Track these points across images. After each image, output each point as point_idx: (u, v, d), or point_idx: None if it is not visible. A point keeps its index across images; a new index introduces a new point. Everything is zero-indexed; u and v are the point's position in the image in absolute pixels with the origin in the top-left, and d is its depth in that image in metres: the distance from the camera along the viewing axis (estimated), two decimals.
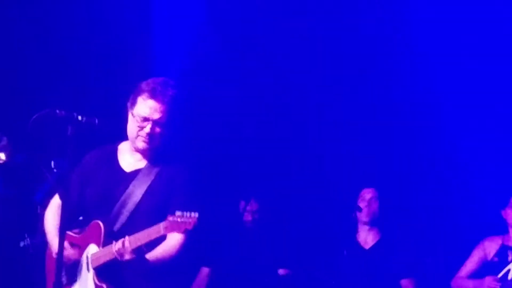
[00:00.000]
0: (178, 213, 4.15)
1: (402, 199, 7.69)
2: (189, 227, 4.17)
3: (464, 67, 7.68)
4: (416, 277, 7.13)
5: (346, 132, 8.24)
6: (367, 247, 7.14)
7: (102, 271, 4.37)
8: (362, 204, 7.07)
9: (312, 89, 8.39)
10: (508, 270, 6.53)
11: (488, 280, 6.46)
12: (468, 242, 6.96)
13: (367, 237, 7.20)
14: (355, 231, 7.29)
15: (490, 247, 6.64)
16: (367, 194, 7.15)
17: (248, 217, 7.31)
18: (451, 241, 7.45)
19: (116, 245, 4.25)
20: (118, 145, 4.72)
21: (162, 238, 4.37)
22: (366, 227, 7.12)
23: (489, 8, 7.44)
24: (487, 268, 6.65)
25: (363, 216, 7.04)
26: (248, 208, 7.27)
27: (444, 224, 7.65)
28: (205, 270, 7.32)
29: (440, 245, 7.51)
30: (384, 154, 8.11)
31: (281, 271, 7.25)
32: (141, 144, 4.46)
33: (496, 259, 6.58)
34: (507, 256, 6.47)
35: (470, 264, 6.68)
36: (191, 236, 4.47)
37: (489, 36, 7.46)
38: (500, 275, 6.51)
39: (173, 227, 4.17)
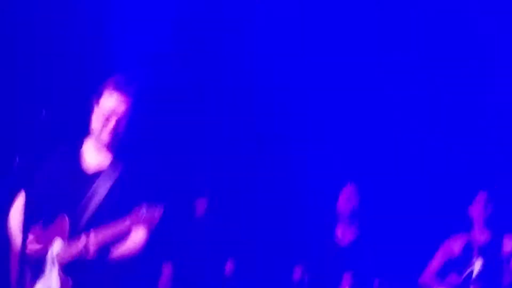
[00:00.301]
0: (144, 206, 4.24)
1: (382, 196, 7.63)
2: (155, 221, 4.27)
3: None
4: (388, 275, 7.07)
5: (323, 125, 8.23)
6: (343, 244, 7.18)
7: (68, 266, 4.35)
8: (341, 201, 7.16)
9: (277, 82, 8.28)
10: (472, 270, 6.54)
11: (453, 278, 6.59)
12: (435, 239, 6.92)
13: (344, 234, 7.14)
14: (332, 227, 7.15)
15: (455, 244, 6.64)
16: (347, 191, 7.18)
17: (200, 211, 7.40)
18: (418, 239, 7.40)
19: (82, 240, 4.26)
20: (82, 142, 4.66)
21: (125, 234, 4.38)
22: (344, 223, 7.19)
23: None
24: (453, 265, 6.63)
25: (341, 212, 7.14)
26: (201, 202, 7.38)
27: (413, 220, 7.59)
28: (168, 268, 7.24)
29: (408, 243, 7.47)
30: (364, 149, 8.09)
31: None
32: (105, 138, 4.46)
33: (461, 256, 6.58)
34: (472, 253, 6.50)
35: (436, 261, 6.68)
36: (155, 231, 4.48)
37: None
38: (465, 274, 6.51)
39: (139, 220, 4.24)
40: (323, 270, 7.18)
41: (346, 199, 7.27)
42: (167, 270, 7.24)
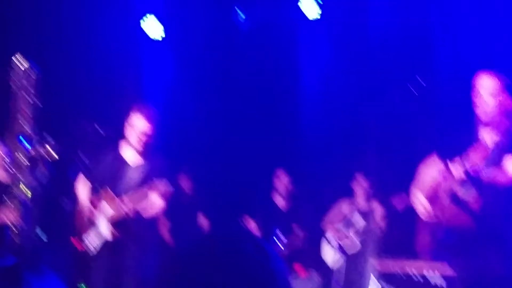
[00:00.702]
0: (155, 179, 5.39)
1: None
2: (164, 188, 5.37)
3: None
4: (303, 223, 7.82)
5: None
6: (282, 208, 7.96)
7: (114, 222, 5.49)
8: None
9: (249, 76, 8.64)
10: (358, 225, 7.66)
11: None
12: (331, 201, 7.91)
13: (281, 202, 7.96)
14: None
15: (345, 205, 7.81)
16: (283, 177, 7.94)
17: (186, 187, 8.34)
18: (323, 202, 8.03)
19: (123, 203, 5.44)
20: (121, 147, 5.74)
21: (144, 197, 5.45)
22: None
23: None
24: (344, 219, 7.78)
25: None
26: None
27: (321, 192, 8.24)
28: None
29: (319, 204, 8.09)
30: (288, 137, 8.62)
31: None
32: (137, 146, 5.62)
33: (348, 215, 7.78)
34: (356, 214, 7.67)
35: (333, 215, 7.80)
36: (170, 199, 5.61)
37: None
38: (353, 228, 7.68)
39: (153, 187, 5.37)
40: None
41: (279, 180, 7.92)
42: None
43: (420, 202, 4.53)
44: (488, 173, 4.10)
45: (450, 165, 4.26)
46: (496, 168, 4.05)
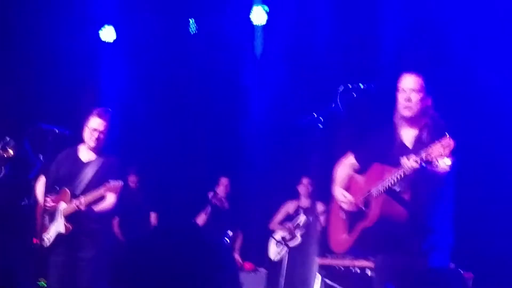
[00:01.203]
0: (111, 181, 5.47)
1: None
2: (119, 189, 5.48)
3: None
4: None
5: None
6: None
7: (68, 218, 5.57)
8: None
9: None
10: (300, 221, 8.06)
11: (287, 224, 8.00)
12: (279, 203, 8.22)
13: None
14: None
15: (290, 205, 8.24)
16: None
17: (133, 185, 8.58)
18: (271, 203, 8.31)
19: (76, 201, 5.48)
20: (78, 146, 5.83)
21: (101, 197, 5.53)
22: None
23: None
24: (289, 217, 8.22)
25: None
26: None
27: (271, 194, 8.43)
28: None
29: (267, 205, 8.30)
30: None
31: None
32: (92, 144, 5.71)
33: (293, 213, 8.23)
34: (299, 212, 8.10)
35: (280, 215, 8.25)
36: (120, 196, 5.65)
37: None
38: (295, 223, 8.09)
39: (110, 189, 5.46)
40: None
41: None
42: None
43: (341, 194, 4.61)
44: (415, 166, 4.10)
45: (403, 162, 4.19)
46: (421, 162, 4.07)
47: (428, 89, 4.44)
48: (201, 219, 8.11)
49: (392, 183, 4.22)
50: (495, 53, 7.07)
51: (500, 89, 6.94)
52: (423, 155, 4.03)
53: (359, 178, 4.62)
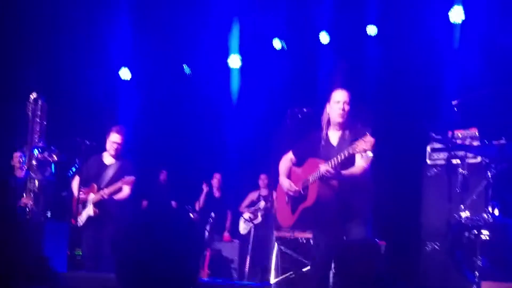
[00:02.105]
0: (126, 177, 5.53)
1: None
2: (132, 183, 5.53)
3: None
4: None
5: None
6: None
7: (95, 204, 5.57)
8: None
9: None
10: (260, 205, 7.84)
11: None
12: (245, 192, 8.00)
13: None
14: None
15: (254, 194, 8.01)
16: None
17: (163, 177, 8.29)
18: (240, 193, 8.01)
19: (101, 192, 5.53)
20: (102, 153, 5.79)
21: (119, 189, 5.54)
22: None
23: None
24: (252, 203, 7.96)
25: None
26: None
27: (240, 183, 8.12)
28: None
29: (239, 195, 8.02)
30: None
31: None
32: (112, 152, 5.71)
33: (256, 200, 7.95)
34: (260, 199, 7.89)
35: (246, 201, 8.00)
36: (133, 188, 5.64)
37: None
38: (257, 207, 7.86)
39: (125, 182, 5.53)
40: None
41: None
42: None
43: (287, 183, 4.42)
44: (343, 160, 3.96)
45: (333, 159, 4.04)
46: (346, 157, 3.94)
47: (351, 100, 4.28)
48: (198, 204, 8.02)
49: (324, 172, 4.05)
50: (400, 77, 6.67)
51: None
52: (350, 149, 3.88)
53: (297, 170, 4.45)
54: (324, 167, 4.02)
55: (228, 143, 8.12)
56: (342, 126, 4.27)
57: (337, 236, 4.11)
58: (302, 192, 4.31)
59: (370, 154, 3.93)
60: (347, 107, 4.23)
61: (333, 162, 4.01)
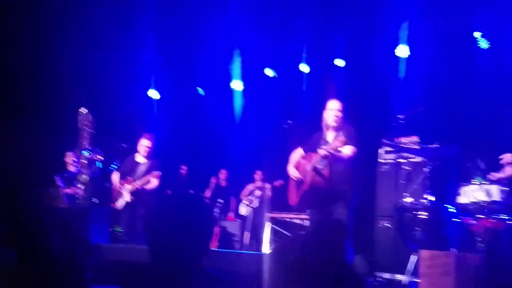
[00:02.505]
0: (154, 172, 5.49)
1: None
2: (159, 176, 5.41)
3: None
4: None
5: None
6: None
7: (131, 193, 5.49)
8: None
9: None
10: (257, 194, 7.36)
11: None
12: (246, 182, 7.65)
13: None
14: None
15: (251, 186, 7.48)
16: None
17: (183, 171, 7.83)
18: (238, 185, 7.67)
19: (135, 183, 5.47)
20: (135, 154, 5.70)
21: (148, 181, 5.46)
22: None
23: None
24: (251, 193, 7.53)
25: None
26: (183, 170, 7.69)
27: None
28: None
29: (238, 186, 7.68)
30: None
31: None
32: (143, 153, 5.62)
33: (253, 190, 7.48)
34: (255, 190, 7.39)
35: (246, 191, 7.61)
36: (160, 180, 5.52)
37: None
38: (254, 195, 7.47)
39: (153, 176, 5.43)
40: None
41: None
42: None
43: (292, 171, 4.31)
44: (323, 154, 3.92)
45: (319, 151, 3.97)
46: (336, 150, 3.89)
47: (343, 108, 4.24)
48: (208, 192, 7.81)
49: (316, 162, 4.02)
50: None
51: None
52: (328, 147, 3.92)
53: (303, 161, 4.35)
54: (322, 150, 4.02)
55: (232, 147, 7.89)
56: (336, 128, 4.24)
57: (326, 214, 4.07)
58: (302, 178, 4.25)
59: (345, 150, 3.95)
60: (339, 114, 4.20)
61: (325, 148, 4.03)
